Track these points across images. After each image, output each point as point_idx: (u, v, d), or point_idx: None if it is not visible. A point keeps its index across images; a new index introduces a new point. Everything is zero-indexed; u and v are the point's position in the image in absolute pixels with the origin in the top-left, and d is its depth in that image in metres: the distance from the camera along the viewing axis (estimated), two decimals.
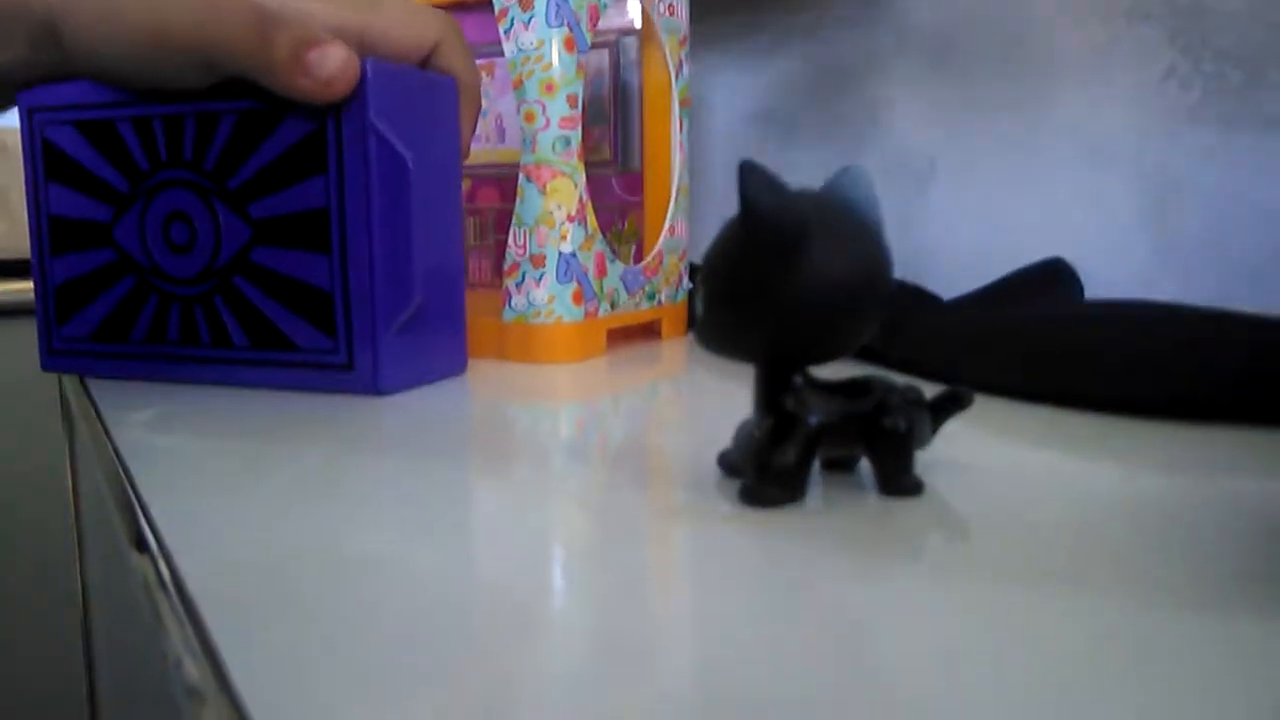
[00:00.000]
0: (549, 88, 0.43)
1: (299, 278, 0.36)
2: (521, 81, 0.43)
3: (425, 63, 0.39)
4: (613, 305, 0.47)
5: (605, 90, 0.55)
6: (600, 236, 0.46)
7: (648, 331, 0.53)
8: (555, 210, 0.43)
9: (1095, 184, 0.52)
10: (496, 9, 0.44)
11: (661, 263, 0.51)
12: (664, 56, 0.52)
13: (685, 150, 0.54)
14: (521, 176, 0.44)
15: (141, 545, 0.21)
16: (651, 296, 0.51)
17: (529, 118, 0.43)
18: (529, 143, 0.44)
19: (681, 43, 0.53)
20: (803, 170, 0.73)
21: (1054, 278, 0.47)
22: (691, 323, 0.21)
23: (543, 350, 0.44)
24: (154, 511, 0.22)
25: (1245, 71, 0.46)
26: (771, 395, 0.22)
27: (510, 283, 0.44)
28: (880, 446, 0.22)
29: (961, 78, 0.61)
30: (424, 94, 0.37)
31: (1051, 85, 0.55)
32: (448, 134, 0.39)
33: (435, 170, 0.37)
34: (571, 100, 0.44)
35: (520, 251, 0.44)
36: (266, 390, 0.37)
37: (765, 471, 0.22)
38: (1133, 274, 0.51)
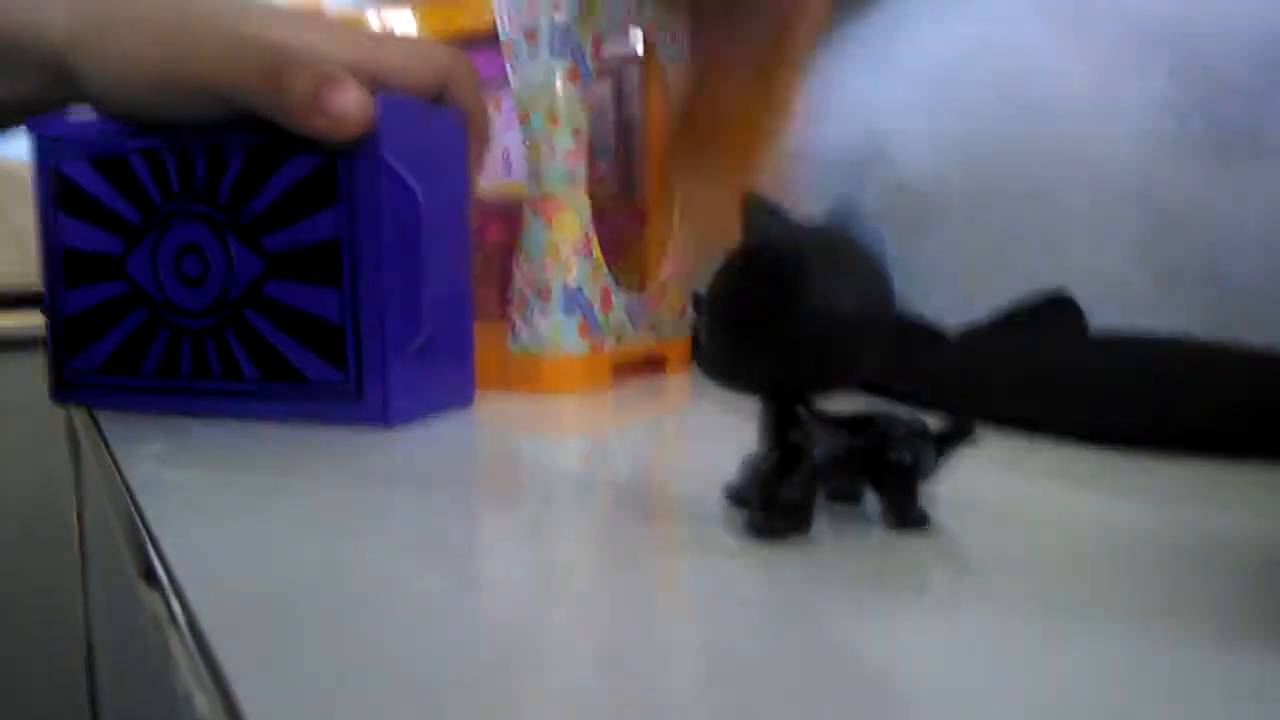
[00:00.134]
0: (554, 120, 0.44)
1: (310, 310, 0.36)
2: (528, 115, 0.44)
3: (437, 98, 0.39)
4: (618, 338, 0.47)
5: (609, 121, 0.56)
6: (606, 269, 0.46)
7: (652, 364, 0.53)
8: (561, 243, 0.44)
9: (1095, 216, 0.53)
10: (502, 42, 0.44)
11: (665, 294, 0.52)
12: (666, 85, 0.52)
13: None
14: (527, 209, 0.44)
15: (151, 578, 0.22)
16: (655, 328, 0.51)
17: (534, 150, 0.44)
18: (535, 175, 0.44)
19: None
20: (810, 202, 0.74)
21: (1057, 310, 0.48)
22: (695, 353, 0.22)
23: (548, 382, 0.44)
24: (164, 544, 0.22)
25: (1246, 104, 0.46)
26: (777, 428, 0.22)
27: (516, 315, 0.45)
28: (886, 479, 0.23)
29: (961, 110, 0.61)
30: (434, 127, 0.38)
31: (1051, 118, 0.55)
32: (457, 167, 0.39)
33: (445, 203, 0.38)
34: (576, 133, 0.44)
35: (526, 284, 0.44)
36: (275, 423, 0.37)
37: (772, 504, 0.22)
38: (1133, 306, 0.51)
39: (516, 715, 0.14)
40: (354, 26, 0.42)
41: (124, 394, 0.40)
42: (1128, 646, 0.16)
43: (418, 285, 0.36)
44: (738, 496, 0.24)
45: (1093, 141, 0.53)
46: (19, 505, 0.92)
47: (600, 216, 0.46)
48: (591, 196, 0.46)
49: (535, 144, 0.44)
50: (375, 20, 0.50)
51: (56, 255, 0.40)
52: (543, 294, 0.44)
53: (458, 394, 0.40)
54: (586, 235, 0.45)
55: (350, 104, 0.33)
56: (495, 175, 0.57)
